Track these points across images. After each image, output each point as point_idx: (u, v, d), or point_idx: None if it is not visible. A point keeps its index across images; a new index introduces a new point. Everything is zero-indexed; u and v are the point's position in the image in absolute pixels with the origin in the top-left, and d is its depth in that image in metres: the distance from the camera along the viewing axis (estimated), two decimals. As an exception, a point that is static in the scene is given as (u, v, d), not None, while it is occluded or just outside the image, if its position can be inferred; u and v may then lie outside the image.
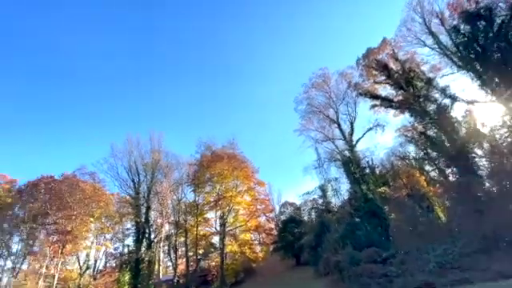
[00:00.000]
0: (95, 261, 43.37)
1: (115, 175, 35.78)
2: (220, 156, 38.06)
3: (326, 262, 19.97)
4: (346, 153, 31.90)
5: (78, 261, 40.78)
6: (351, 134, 34.47)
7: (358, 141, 33.36)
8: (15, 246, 39.90)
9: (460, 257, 14.23)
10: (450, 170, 27.65)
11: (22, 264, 38.48)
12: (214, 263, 37.41)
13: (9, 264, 38.43)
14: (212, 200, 36.97)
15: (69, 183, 38.52)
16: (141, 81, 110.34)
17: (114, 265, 42.45)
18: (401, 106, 30.29)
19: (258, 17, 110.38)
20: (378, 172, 35.01)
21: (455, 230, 17.24)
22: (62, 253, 35.33)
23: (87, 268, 38.56)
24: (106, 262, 45.24)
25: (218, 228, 36.57)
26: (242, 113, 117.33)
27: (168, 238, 37.43)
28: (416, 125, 30.70)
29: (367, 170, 32.30)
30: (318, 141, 36.46)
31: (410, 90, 27.84)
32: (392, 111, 33.51)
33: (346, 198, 33.64)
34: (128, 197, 36.62)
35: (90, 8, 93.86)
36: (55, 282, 32.54)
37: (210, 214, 38.76)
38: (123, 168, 35.73)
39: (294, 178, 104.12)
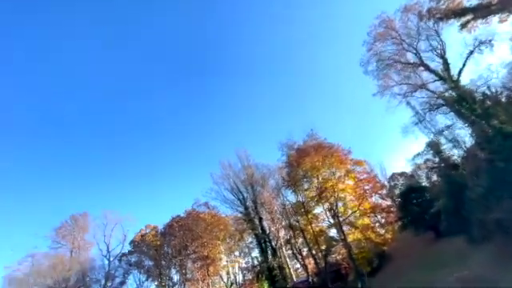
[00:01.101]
0: (234, 276, 48.76)
1: (223, 199, 39.85)
2: (305, 151, 37.41)
3: (481, 225, 16.18)
4: (451, 93, 26.15)
5: (222, 279, 46.78)
6: (447, 69, 28.22)
7: (460, 72, 26.96)
8: (175, 277, 49.01)
9: None
10: None
11: (183, 290, 46.86)
12: (340, 256, 36.26)
13: (176, 292, 47.44)
14: (314, 195, 36.35)
15: (192, 217, 45.30)
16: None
17: (251, 277, 46.57)
18: (507, 5, 23.12)
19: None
20: (504, 99, 27.14)
21: None
22: (208, 275, 41.31)
23: (231, 284, 43.59)
24: (243, 276, 50.23)
25: (332, 220, 35.50)
26: (313, 92, 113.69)
27: (288, 241, 38.70)
28: (543, 17, 22.75)
29: (488, 102, 25.48)
30: (405, 94, 31.46)
31: (514, -21, 20.97)
32: (494, 18, 25.91)
33: (470, 144, 27.41)
34: (240, 214, 40.05)
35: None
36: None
37: (318, 209, 38.15)
38: (227, 190, 39.51)
39: (390, 147, 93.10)
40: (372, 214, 36.98)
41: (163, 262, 47.90)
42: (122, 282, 49.29)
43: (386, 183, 47.89)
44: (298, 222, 37.18)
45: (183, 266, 45.80)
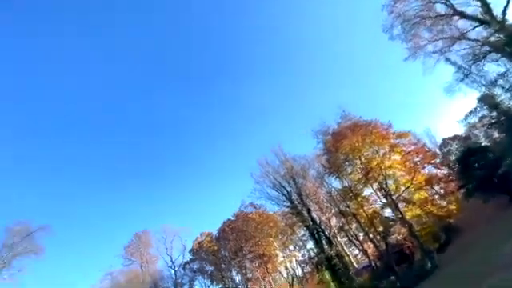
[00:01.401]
0: (293, 271, 49.00)
1: (267, 196, 40.10)
2: (341, 133, 35.96)
3: None
4: (498, 36, 23.06)
5: (282, 275, 47.33)
6: (487, 10, 24.85)
7: (504, 10, 23.54)
8: (236, 278, 50.93)
9: None
10: None
11: (247, 290, 48.45)
12: (401, 236, 34.27)
13: (238, 292, 49.37)
14: (360, 177, 34.77)
15: (241, 218, 46.65)
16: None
17: (310, 269, 46.35)
18: None
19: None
20: None
21: None
22: (267, 272, 42.11)
23: (292, 278, 43.88)
24: (302, 269, 50.21)
25: (384, 200, 33.65)
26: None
27: (341, 228, 37.68)
28: None
29: (548, 36, 21.91)
30: (442, 50, 28.52)
31: None
32: None
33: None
34: (287, 209, 40.03)
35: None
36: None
37: (367, 191, 36.44)
38: (269, 188, 39.70)
39: (434, 112, 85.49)
40: (428, 187, 34.20)
41: (223, 266, 50.07)
42: (190, 289, 52.79)
43: (437, 151, 44.06)
44: (348, 207, 35.92)
45: (242, 266, 47.37)
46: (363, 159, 34.67)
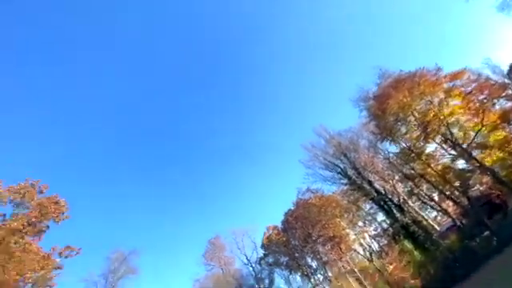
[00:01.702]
0: (369, 246, 47.26)
1: (322, 178, 39.29)
2: (384, 94, 33.08)
3: None
4: None
5: (358, 253, 46.07)
6: None
7: None
8: (313, 264, 51.27)
9: None
10: None
11: (326, 273, 48.36)
12: (483, 186, 30.41)
13: (320, 277, 49.62)
14: (419, 134, 31.67)
15: (301, 206, 46.61)
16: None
17: (386, 241, 44.16)
18: None
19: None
20: None
21: None
22: (342, 252, 41.42)
23: (370, 254, 42.41)
24: (377, 243, 48.14)
25: (453, 152, 30.12)
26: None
27: (411, 193, 34.94)
28: None
29: None
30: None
31: None
32: None
33: None
34: (346, 186, 38.71)
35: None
36: (359, 274, 38.07)
37: (430, 147, 33.00)
38: (322, 169, 38.81)
39: (487, 40, 73.17)
40: (505, 124, 29.48)
41: (296, 254, 50.73)
42: (271, 282, 54.81)
43: (506, 81, 37.59)
44: (412, 169, 33.07)
45: (315, 252, 47.37)
46: (417, 114, 31.56)
